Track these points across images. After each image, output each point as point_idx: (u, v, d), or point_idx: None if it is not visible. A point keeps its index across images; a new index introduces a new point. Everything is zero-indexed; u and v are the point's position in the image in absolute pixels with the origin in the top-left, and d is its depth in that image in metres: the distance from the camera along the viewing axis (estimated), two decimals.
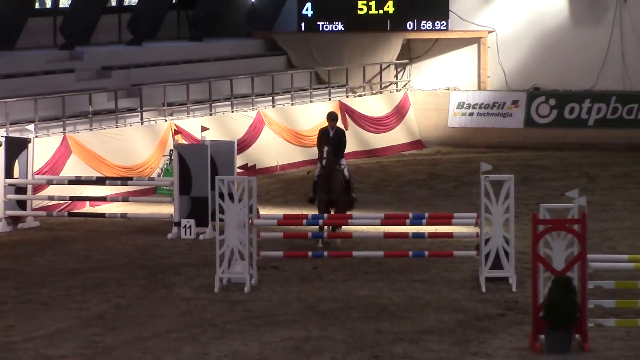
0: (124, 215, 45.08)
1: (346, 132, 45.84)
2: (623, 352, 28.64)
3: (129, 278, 37.01)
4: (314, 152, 60.11)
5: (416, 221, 37.96)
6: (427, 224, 37.77)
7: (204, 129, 49.29)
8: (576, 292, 28.60)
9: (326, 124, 44.22)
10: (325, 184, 39.73)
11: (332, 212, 41.12)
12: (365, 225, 38.48)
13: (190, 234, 42.12)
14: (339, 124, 48.35)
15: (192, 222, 42.29)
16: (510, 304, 32.82)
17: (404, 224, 38.12)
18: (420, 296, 34.02)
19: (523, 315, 30.89)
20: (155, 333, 31.07)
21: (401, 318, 31.58)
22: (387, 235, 37.84)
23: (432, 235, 37.93)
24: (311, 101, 61.13)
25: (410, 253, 37.62)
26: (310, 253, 37.47)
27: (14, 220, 44.37)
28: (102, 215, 45.12)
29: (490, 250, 34.73)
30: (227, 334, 30.81)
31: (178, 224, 42.78)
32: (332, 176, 39.91)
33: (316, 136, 62.92)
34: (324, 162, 39.47)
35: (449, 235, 37.97)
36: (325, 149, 39.39)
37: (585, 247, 29.50)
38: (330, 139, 40.88)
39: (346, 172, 40.85)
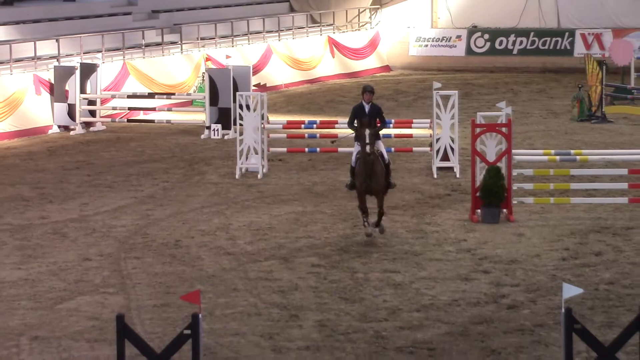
0: (168, 121, 44.96)
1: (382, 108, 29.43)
2: (538, 222, 28.74)
3: (172, 168, 37.02)
4: (309, 74, 60.09)
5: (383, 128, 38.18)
6: (393, 128, 37.74)
7: (227, 57, 49.79)
8: (504, 178, 28.65)
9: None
10: (366, 171, 27.27)
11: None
12: (348, 128, 38.30)
13: (218, 135, 42.06)
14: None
15: (219, 126, 42.21)
16: (455, 187, 32.88)
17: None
18: None
19: (464, 195, 30.94)
20: (191, 209, 31.27)
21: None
22: None
23: (397, 135, 37.90)
24: (307, 36, 61.01)
25: None
26: (306, 149, 37.45)
27: (86, 125, 44.34)
28: (152, 121, 44.95)
29: (440, 147, 34.76)
30: (245, 209, 30.97)
31: (209, 128, 42.70)
32: (374, 162, 27.22)
33: (310, 63, 61.98)
34: (367, 148, 26.51)
35: (410, 136, 38.07)
36: (367, 132, 26.55)
37: (511, 144, 29.49)
38: (367, 115, 27.72)
39: (386, 156, 28.17)
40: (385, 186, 27.59)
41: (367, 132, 26.23)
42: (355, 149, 27.62)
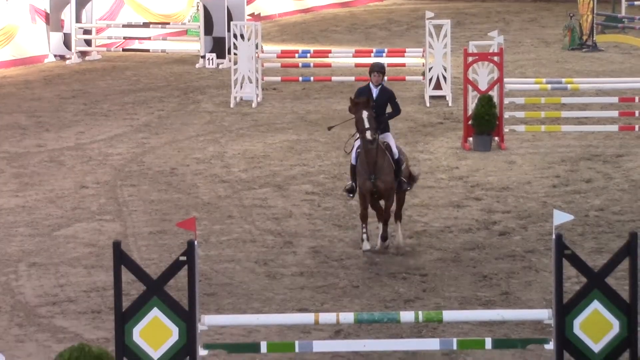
0: (163, 51, 44.87)
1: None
2: (529, 150, 28.77)
3: (167, 96, 37.00)
4: (303, 4, 59.75)
5: (378, 54, 37.96)
6: (387, 57, 37.74)
7: None
8: (495, 106, 28.65)
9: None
10: (369, 166, 21.52)
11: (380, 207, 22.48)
12: (341, 57, 38.23)
13: (212, 65, 41.99)
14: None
15: (213, 55, 42.15)
16: (447, 115, 32.89)
17: (370, 57, 38.12)
18: None
19: (456, 123, 30.97)
20: (187, 137, 31.25)
21: None
22: (357, 65, 37.73)
23: (390, 65, 37.89)
24: None
25: None
26: (300, 78, 37.41)
27: (82, 55, 44.26)
28: (147, 50, 44.88)
29: (432, 76, 34.76)
30: (239, 138, 30.98)
31: (203, 57, 42.67)
32: (378, 156, 21.45)
33: None
34: (368, 134, 20.77)
35: (402, 65, 38.10)
36: (365, 114, 20.68)
37: (502, 73, 29.49)
38: (374, 100, 21.63)
39: (394, 149, 22.09)
40: (394, 185, 21.15)
41: (365, 114, 20.07)
42: (355, 143, 21.26)
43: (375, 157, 20.59)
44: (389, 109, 22.36)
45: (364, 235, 21.02)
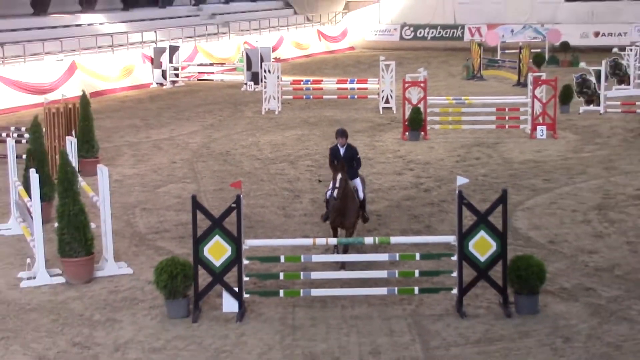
0: (221, 80, 44.85)
1: (358, 150, 19.58)
2: (442, 140, 28.67)
3: (224, 108, 36.92)
4: (306, 52, 59.83)
5: (351, 82, 38.09)
6: (357, 83, 37.73)
7: (256, 42, 49.87)
8: (422, 113, 28.73)
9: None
10: (339, 210, 18.56)
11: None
12: (329, 84, 38.29)
13: (251, 89, 41.95)
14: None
15: (252, 83, 42.12)
16: (392, 119, 32.79)
17: (346, 83, 38.11)
18: (353, 116, 34.02)
19: (398, 123, 30.82)
20: (236, 132, 31.19)
21: (345, 124, 31.63)
22: (338, 89, 37.78)
23: (359, 89, 37.85)
24: (304, 28, 61.46)
25: (349, 96, 37.81)
26: (304, 96, 37.37)
27: (173, 83, 44.23)
28: (212, 80, 44.82)
29: (384, 95, 34.70)
30: (267, 133, 30.90)
31: (246, 84, 42.59)
32: (347, 201, 18.49)
33: (306, 45, 60.03)
34: (335, 193, 18.00)
35: (365, 89, 37.79)
36: (339, 177, 17.90)
37: (426, 93, 29.41)
38: (342, 157, 19.14)
39: (361, 193, 19.29)
40: (356, 222, 17.94)
41: (339, 177, 17.15)
42: (331, 185, 17.85)
43: (344, 203, 16.83)
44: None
45: (335, 251, 16.98)
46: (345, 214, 16.88)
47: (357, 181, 17.69)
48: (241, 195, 14.43)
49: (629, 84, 32.25)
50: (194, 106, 37.77)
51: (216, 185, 23.16)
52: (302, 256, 15.13)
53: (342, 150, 17.43)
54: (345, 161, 17.12)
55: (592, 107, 33.25)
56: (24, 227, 18.08)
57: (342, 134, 17.61)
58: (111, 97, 41.24)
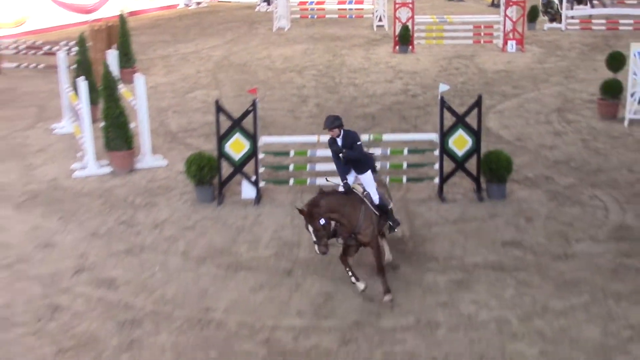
0: (237, 2, 44.13)
1: (358, 135, 11.63)
2: (427, 53, 28.52)
3: (241, 26, 36.51)
4: None
5: (350, 3, 37.47)
6: (354, 4, 37.24)
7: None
8: (409, 30, 28.41)
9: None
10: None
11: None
12: (330, 5, 37.72)
13: (264, 9, 41.28)
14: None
15: (265, 4, 41.50)
16: (385, 35, 32.49)
17: (345, 3, 37.61)
18: (351, 33, 33.74)
19: (390, 39, 30.52)
20: (252, 46, 30.89)
21: (344, 40, 31.33)
22: (339, 9, 37.32)
23: (357, 9, 37.42)
24: None
25: (348, 15, 37.44)
26: (309, 16, 37.02)
27: (197, 4, 43.55)
28: (230, 1, 44.11)
29: (377, 15, 34.24)
30: (278, 47, 30.66)
31: (259, 5, 42.06)
32: (354, 209, 11.10)
33: None
34: (316, 248, 10.70)
35: (362, 9, 37.43)
36: (311, 229, 10.60)
37: (414, 12, 29.15)
38: (341, 148, 11.49)
39: (375, 197, 11.39)
40: (376, 234, 11.32)
41: (311, 229, 10.57)
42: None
43: (355, 216, 10.98)
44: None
45: (352, 278, 11.32)
46: (352, 226, 11.02)
47: (367, 177, 11.44)
48: (257, 100, 14.50)
49: (560, 21, 32.15)
50: (215, 24, 37.39)
51: (235, 92, 23.15)
52: (309, 151, 15.27)
53: (339, 141, 11.51)
54: (347, 150, 11.55)
55: (555, 25, 33.11)
56: (76, 126, 18.22)
57: (331, 123, 11.39)
58: (145, 16, 40.78)
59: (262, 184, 15.03)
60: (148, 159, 16.94)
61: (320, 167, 15.08)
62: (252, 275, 12.00)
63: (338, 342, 10.22)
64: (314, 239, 10.66)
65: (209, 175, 14.79)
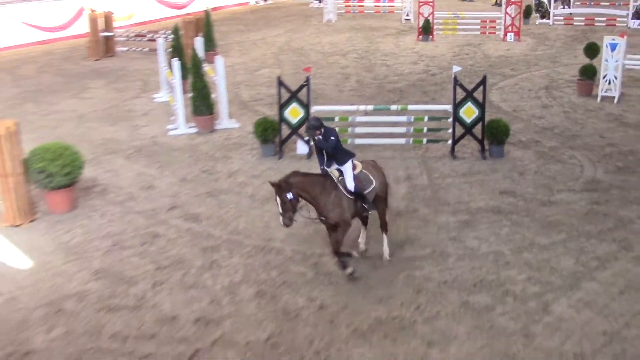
0: (295, 0, 43.39)
1: (333, 129, 9.60)
2: (444, 41, 27.94)
3: (298, 18, 36.12)
4: None
5: (383, 2, 36.81)
6: (387, 3, 36.54)
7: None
8: (430, 22, 27.79)
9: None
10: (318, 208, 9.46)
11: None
12: (369, 3, 37.13)
13: (316, 5, 40.67)
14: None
15: (317, 1, 40.77)
16: (411, 27, 31.84)
17: (379, 2, 37.00)
18: (384, 24, 33.19)
19: (414, 30, 29.97)
20: (306, 35, 30.48)
21: (378, 30, 30.84)
22: (375, 6, 36.70)
23: (389, 6, 36.76)
24: None
25: (382, 11, 36.77)
26: (351, 10, 36.51)
27: (265, 1, 42.87)
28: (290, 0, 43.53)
29: (406, 10, 33.61)
30: (326, 35, 30.20)
31: (312, 2, 41.42)
32: (324, 192, 9.34)
33: None
34: (280, 219, 9.19)
35: (393, 6, 36.65)
36: (278, 200, 9.13)
37: (434, 9, 28.56)
38: (320, 140, 9.47)
39: (349, 185, 9.44)
40: (342, 218, 9.45)
41: (278, 200, 9.10)
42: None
43: (323, 198, 9.33)
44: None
45: (343, 264, 9.70)
46: (320, 209, 9.42)
47: (345, 168, 9.59)
48: (310, 77, 14.37)
49: (549, 18, 31.68)
50: (278, 17, 37.05)
51: (293, 70, 22.95)
52: (350, 117, 15.14)
53: (321, 137, 9.49)
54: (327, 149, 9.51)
55: (544, 21, 32.47)
56: (170, 96, 18.23)
57: (314, 127, 9.47)
58: (224, 11, 40.48)
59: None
60: (225, 122, 16.92)
61: (359, 130, 14.94)
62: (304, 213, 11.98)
63: (370, 268, 10.19)
64: (280, 210, 9.13)
65: (271, 135, 14.74)
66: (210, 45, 24.02)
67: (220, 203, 12.50)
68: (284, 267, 10.25)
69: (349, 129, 15.11)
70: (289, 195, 9.14)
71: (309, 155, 14.63)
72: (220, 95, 16.83)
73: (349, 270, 9.81)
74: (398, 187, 13.04)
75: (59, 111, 18.62)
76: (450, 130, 14.64)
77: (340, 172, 9.66)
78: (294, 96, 14.47)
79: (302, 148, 14.83)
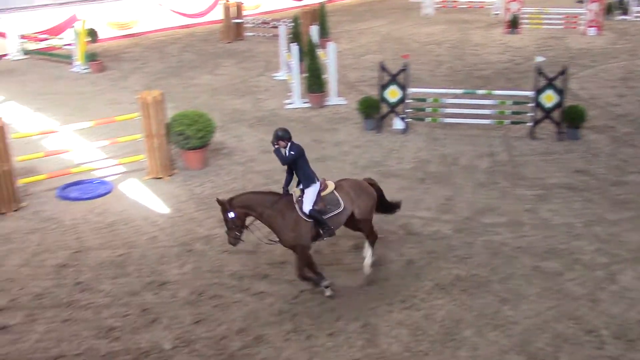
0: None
1: (299, 147, 7.95)
2: (528, 34, 26.66)
3: (399, 12, 35.15)
4: None
5: None
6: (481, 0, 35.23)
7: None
8: (518, 18, 26.48)
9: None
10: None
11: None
12: (467, 5, 35.86)
13: (414, 0, 39.33)
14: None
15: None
16: (499, 21, 30.38)
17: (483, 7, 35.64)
18: (476, 18, 31.98)
19: (502, 23, 28.63)
20: (404, 26, 29.66)
21: (470, 23, 29.77)
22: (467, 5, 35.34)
23: (480, 2, 35.29)
24: None
25: (474, 6, 35.32)
26: (447, 6, 35.27)
27: None
28: None
29: (495, 5, 32.17)
30: (424, 26, 29.34)
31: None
32: (277, 219, 7.81)
33: None
34: (227, 239, 7.94)
35: (482, 5, 35.21)
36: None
37: (522, 5, 27.25)
38: (282, 154, 7.90)
39: (306, 207, 7.77)
40: (298, 242, 7.90)
41: (225, 217, 7.78)
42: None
43: (274, 220, 7.91)
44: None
45: (321, 283, 8.26)
46: (277, 231, 8.01)
47: (307, 192, 7.99)
48: (408, 63, 14.05)
49: (630, 14, 29.71)
50: (382, 10, 36.16)
51: (394, 56, 22.40)
52: (441, 99, 14.75)
53: (286, 152, 7.98)
54: (293, 164, 8.02)
55: (625, 16, 30.47)
56: (288, 75, 18.31)
57: (278, 137, 8.01)
58: (337, 4, 39.85)
59: (408, 119, 14.67)
60: (334, 99, 16.85)
61: (449, 110, 14.54)
62: (397, 181, 11.85)
63: (452, 230, 9.98)
64: (225, 228, 7.92)
65: (373, 112, 14.57)
66: (324, 32, 23.85)
67: (327, 167, 12.49)
68: (378, 226, 10.16)
69: (440, 110, 14.74)
70: (230, 214, 7.74)
71: (404, 130, 14.39)
72: (331, 76, 16.74)
73: (325, 283, 8.22)
74: (481, 161, 12.65)
75: (196, 84, 19.08)
76: (531, 114, 14.02)
77: (303, 192, 8.04)
78: (393, 79, 14.22)
79: (398, 124, 14.60)
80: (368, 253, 8.65)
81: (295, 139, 13.89)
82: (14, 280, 8.93)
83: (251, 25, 26.67)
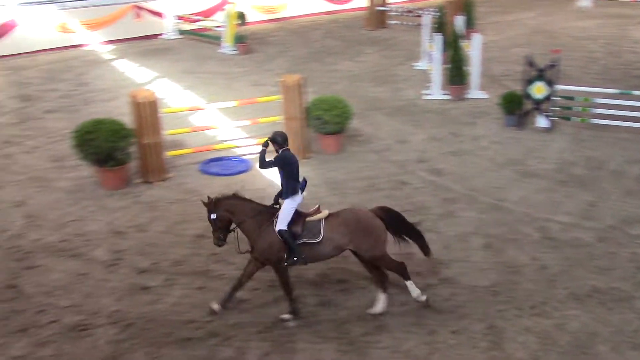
0: None
1: (294, 156, 7.35)
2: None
3: (551, 3, 33.41)
4: None
5: None
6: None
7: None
8: None
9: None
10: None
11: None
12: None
13: None
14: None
15: None
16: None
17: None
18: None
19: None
20: (556, 19, 28.05)
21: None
22: None
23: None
24: None
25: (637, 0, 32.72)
26: None
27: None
28: None
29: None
30: (578, 20, 27.54)
31: None
32: (255, 224, 7.29)
33: None
34: (214, 240, 7.52)
35: None
36: (210, 217, 7.42)
37: None
38: (271, 161, 7.37)
39: (281, 225, 7.15)
40: (270, 257, 7.37)
41: (210, 217, 7.47)
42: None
43: (252, 231, 7.39)
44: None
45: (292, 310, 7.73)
46: (252, 243, 7.52)
47: (284, 206, 7.43)
48: (558, 58, 13.34)
49: None
50: (534, 0, 34.54)
51: (542, 50, 20.99)
52: (592, 99, 13.86)
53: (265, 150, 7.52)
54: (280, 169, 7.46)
55: None
56: (429, 65, 18.04)
57: (271, 138, 7.53)
58: None
59: (554, 118, 13.95)
60: (474, 92, 16.38)
61: (600, 111, 13.64)
62: (537, 181, 11.34)
63: (594, 238, 9.39)
64: (212, 229, 7.60)
65: (515, 108, 14.01)
66: (470, 23, 23.13)
67: (462, 162, 12.22)
68: (513, 226, 9.80)
69: (590, 110, 13.86)
70: (212, 216, 7.49)
71: (548, 129, 13.71)
72: (474, 68, 16.28)
73: (287, 316, 7.73)
74: (631, 167, 11.79)
75: (337, 70, 19.30)
76: None
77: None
78: (540, 73, 13.57)
79: (542, 122, 13.93)
80: (412, 288, 7.77)
81: (431, 129, 13.90)
82: (156, 246, 9.54)
83: (395, 13, 26.51)
